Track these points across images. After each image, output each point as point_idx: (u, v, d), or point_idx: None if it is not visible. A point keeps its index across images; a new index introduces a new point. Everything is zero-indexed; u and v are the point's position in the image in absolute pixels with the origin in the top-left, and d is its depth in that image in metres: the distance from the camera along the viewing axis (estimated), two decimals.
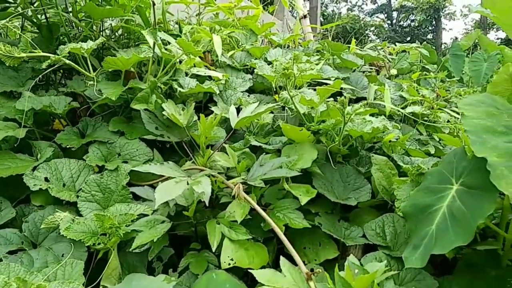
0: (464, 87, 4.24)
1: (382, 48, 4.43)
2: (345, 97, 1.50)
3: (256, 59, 2.57)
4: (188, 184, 1.24)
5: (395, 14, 32.04)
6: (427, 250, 1.14)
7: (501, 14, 1.31)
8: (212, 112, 1.90)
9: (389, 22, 32.66)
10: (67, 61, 1.54)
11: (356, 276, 1.12)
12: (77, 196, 1.46)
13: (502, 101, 1.25)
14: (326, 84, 2.14)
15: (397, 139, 2.05)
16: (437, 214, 1.19)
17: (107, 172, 1.51)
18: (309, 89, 2.04)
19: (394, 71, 3.78)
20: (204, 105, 2.16)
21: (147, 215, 1.36)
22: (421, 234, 1.21)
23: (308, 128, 1.70)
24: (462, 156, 1.24)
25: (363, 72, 3.22)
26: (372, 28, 27.23)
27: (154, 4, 1.76)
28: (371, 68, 3.46)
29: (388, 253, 1.45)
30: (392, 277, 1.37)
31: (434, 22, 26.44)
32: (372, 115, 2.11)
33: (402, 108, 2.64)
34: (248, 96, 2.20)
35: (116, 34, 2.44)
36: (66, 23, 2.14)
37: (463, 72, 4.52)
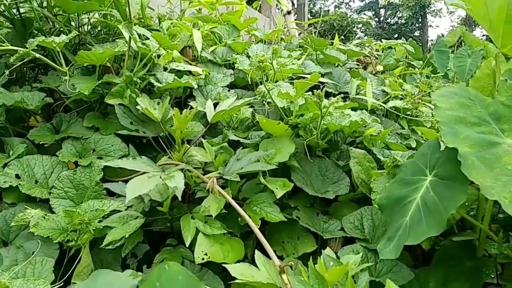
0: (449, 83, 4.28)
1: (369, 45, 4.45)
2: (321, 90, 1.49)
3: (238, 54, 2.55)
4: (161, 178, 1.22)
5: (382, 11, 32.24)
6: (400, 242, 1.14)
7: (474, 6, 1.31)
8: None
9: (376, 19, 32.86)
10: (37, 55, 1.51)
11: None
12: (50, 193, 1.43)
13: (475, 93, 1.25)
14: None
15: (378, 133, 2.05)
16: (411, 205, 1.18)
17: (81, 168, 1.48)
18: (289, 82, 2.03)
19: (380, 67, 3.80)
20: (184, 100, 2.14)
21: (120, 211, 1.34)
22: (395, 226, 1.20)
23: (286, 122, 1.69)
24: (435, 147, 1.24)
25: (350, 68, 3.23)
26: (360, 25, 27.36)
27: None
28: (358, 64, 3.47)
29: (365, 245, 1.45)
30: (369, 269, 1.37)
31: (420, 19, 26.69)
32: (354, 109, 2.11)
33: (384, 103, 2.65)
34: (229, 91, 2.19)
35: (96, 29, 2.40)
36: (42, 18, 2.09)
37: (448, 68, 4.56)
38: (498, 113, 1.19)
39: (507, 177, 1.00)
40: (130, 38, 1.73)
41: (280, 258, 1.51)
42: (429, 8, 25.91)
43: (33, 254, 1.28)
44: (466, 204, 1.42)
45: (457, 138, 1.08)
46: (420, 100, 2.77)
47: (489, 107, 1.21)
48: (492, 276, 1.34)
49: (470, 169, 1.01)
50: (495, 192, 0.96)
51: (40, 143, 1.58)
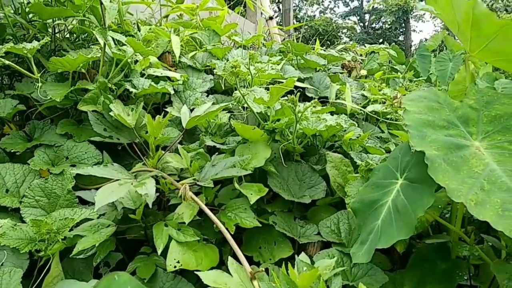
0: (432, 86, 4.35)
1: (353, 50, 4.50)
2: (295, 95, 1.50)
3: (218, 59, 2.55)
4: (133, 185, 1.20)
5: (367, 16, 32.65)
6: (372, 245, 1.14)
7: (442, 10, 1.34)
8: None
9: (361, 24, 33.26)
10: (6, 62, 1.48)
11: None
12: (21, 202, 1.40)
13: (444, 96, 1.26)
14: None
15: (357, 137, 2.07)
16: (382, 209, 1.19)
17: (52, 176, 1.45)
18: (266, 88, 2.03)
19: (364, 72, 3.84)
20: (162, 106, 2.12)
21: (92, 219, 1.31)
22: (368, 230, 1.21)
23: (263, 127, 1.69)
24: (406, 151, 1.25)
25: (334, 73, 3.25)
26: (345, 30, 27.65)
27: (101, 4, 1.71)
28: (342, 69, 3.50)
29: (341, 249, 1.45)
30: (344, 273, 1.37)
31: (403, 24, 27.10)
32: (333, 113, 2.12)
33: (364, 107, 2.67)
34: (207, 96, 2.18)
35: (73, 35, 2.37)
36: (16, 24, 2.06)
37: (430, 72, 4.63)
38: (466, 116, 1.21)
39: (473, 179, 1.01)
40: (104, 44, 1.71)
41: (257, 264, 1.51)
42: (411, 13, 26.34)
43: (2, 265, 1.25)
44: (440, 206, 1.43)
45: (425, 141, 1.09)
46: (399, 104, 2.80)
47: (457, 110, 1.23)
48: (465, 278, 1.35)
49: (437, 172, 1.02)
50: (461, 194, 0.97)
51: (12, 151, 1.55)
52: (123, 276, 0.52)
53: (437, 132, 1.14)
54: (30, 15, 2.11)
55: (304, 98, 2.65)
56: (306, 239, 1.52)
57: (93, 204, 1.44)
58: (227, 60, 2.59)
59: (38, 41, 1.69)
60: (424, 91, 1.29)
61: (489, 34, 1.24)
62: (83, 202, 1.49)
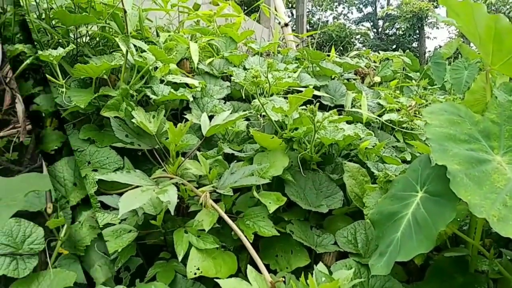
0: (446, 95, 4.31)
1: (367, 57, 4.49)
2: (314, 105, 1.51)
3: (235, 66, 2.58)
4: (155, 192, 1.23)
5: (380, 22, 32.53)
6: (391, 258, 1.14)
7: (464, 23, 1.34)
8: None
9: (375, 30, 33.14)
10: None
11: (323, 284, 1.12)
12: None
13: (465, 110, 1.26)
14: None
15: (373, 146, 2.07)
16: (402, 221, 1.19)
17: None
18: (283, 96, 2.05)
19: (377, 79, 3.83)
20: (180, 112, 2.15)
21: (114, 224, 1.34)
22: (387, 241, 1.21)
23: (281, 136, 1.70)
24: (426, 163, 1.26)
25: (348, 79, 3.26)
26: (358, 36, 27.58)
27: (125, 12, 1.75)
28: (355, 75, 3.51)
29: (358, 260, 1.45)
30: (362, 284, 1.38)
31: (417, 31, 26.94)
32: (350, 122, 2.13)
33: (380, 116, 2.67)
34: (225, 103, 2.20)
35: (94, 41, 2.42)
36: (40, 29, 2.11)
37: (445, 80, 4.60)
38: (488, 130, 1.20)
39: (496, 194, 1.01)
40: (127, 51, 1.75)
41: (274, 272, 1.52)
42: (426, 20, 26.16)
43: None
44: (458, 219, 1.43)
45: (446, 155, 1.10)
46: (416, 113, 2.79)
47: (479, 124, 1.23)
48: None
49: (459, 186, 1.02)
50: (484, 210, 0.97)
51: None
52: (160, 286, 0.54)
53: (459, 146, 1.14)
54: (54, 21, 2.17)
55: (320, 106, 2.65)
56: (323, 249, 1.53)
57: (114, 209, 1.47)
58: (244, 67, 2.62)
59: (62, 47, 1.74)
60: (444, 104, 1.29)
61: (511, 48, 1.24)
62: (104, 206, 1.52)
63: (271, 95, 2.08)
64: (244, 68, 2.59)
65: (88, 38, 2.33)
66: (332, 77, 3.01)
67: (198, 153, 1.60)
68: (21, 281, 1.15)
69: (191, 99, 1.92)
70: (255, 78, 1.54)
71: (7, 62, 1.70)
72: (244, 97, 2.45)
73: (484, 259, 1.33)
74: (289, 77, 2.27)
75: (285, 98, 1.84)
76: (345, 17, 34.47)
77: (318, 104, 1.53)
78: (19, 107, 1.56)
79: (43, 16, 2.08)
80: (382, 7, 31.81)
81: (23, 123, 1.54)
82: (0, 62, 1.67)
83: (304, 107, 1.83)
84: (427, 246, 1.06)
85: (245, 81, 1.69)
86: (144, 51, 1.99)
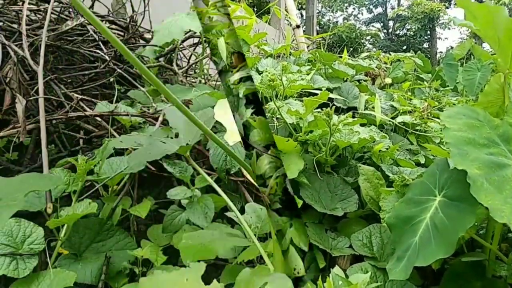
0: (458, 96, 4.27)
1: (377, 58, 4.47)
2: (330, 108, 1.51)
3: None
4: None
5: (391, 23, 32.33)
6: (410, 262, 1.14)
7: (482, 26, 1.33)
8: None
9: (385, 31, 32.94)
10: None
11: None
12: None
13: (484, 113, 1.26)
14: (317, 94, 2.16)
15: (387, 148, 2.06)
16: (420, 225, 1.19)
17: None
18: (298, 99, 2.05)
19: (388, 80, 3.81)
20: None
21: None
22: (404, 246, 1.20)
23: (296, 139, 1.71)
24: (444, 167, 1.25)
25: (358, 81, 3.25)
26: (368, 37, 27.44)
27: None
28: (366, 76, 3.49)
29: (374, 264, 1.44)
30: None
31: (429, 32, 26.71)
32: (363, 125, 2.12)
33: (393, 118, 2.66)
34: None
35: None
36: None
37: (457, 81, 4.55)
38: (507, 135, 1.19)
39: None
40: None
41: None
42: (437, 20, 25.93)
43: None
44: (476, 223, 1.42)
45: (466, 159, 1.09)
46: (429, 115, 2.78)
47: (498, 128, 1.22)
48: None
49: (479, 191, 1.01)
50: (504, 215, 0.97)
51: None
52: None
53: (478, 151, 1.13)
54: None
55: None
56: (338, 252, 1.53)
57: None
58: (257, 69, 2.63)
59: None
60: (462, 108, 1.28)
61: None
62: None
63: (285, 97, 2.08)
64: (257, 71, 2.60)
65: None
66: (345, 79, 3.01)
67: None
68: (21, 281, 1.15)
69: None
70: (272, 82, 1.55)
71: (7, 62, 1.73)
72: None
73: (502, 264, 1.31)
74: (302, 79, 2.28)
75: (300, 101, 1.85)
76: (355, 18, 34.34)
77: (334, 107, 1.53)
78: (19, 107, 1.57)
79: None
80: (393, 8, 31.63)
81: (23, 123, 1.55)
82: (0, 62, 1.70)
83: (318, 110, 1.83)
84: (446, 250, 1.05)
85: (261, 84, 1.70)
86: None
